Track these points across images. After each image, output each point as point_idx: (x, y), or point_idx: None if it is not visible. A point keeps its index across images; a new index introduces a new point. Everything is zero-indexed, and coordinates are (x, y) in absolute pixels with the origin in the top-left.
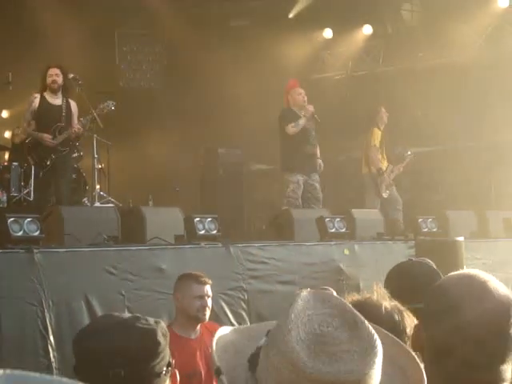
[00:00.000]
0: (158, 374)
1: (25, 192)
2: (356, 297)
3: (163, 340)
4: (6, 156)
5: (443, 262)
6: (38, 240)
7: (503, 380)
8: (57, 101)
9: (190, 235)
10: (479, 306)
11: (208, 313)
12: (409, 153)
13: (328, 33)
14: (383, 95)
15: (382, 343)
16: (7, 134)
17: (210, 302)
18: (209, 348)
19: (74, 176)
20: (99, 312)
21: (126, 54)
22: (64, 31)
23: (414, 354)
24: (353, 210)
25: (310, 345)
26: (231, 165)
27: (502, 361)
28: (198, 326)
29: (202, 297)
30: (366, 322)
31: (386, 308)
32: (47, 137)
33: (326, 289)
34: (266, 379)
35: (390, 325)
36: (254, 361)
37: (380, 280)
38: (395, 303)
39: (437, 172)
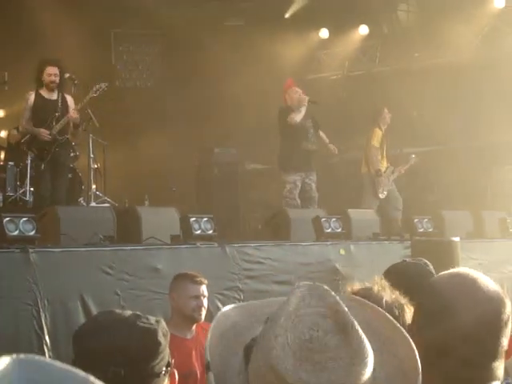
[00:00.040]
0: (158, 374)
1: (20, 192)
2: (357, 287)
3: (164, 340)
4: (2, 155)
5: (439, 262)
6: (34, 240)
7: (496, 377)
8: (53, 96)
9: (185, 235)
10: (472, 304)
11: (204, 313)
12: (413, 156)
13: (324, 33)
14: (379, 95)
15: (382, 327)
16: (3, 134)
17: (205, 302)
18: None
19: (69, 176)
20: (95, 312)
21: (122, 54)
22: (60, 31)
23: (411, 341)
24: (349, 210)
25: (296, 351)
26: (227, 164)
27: (494, 357)
28: (194, 326)
29: (198, 297)
30: (357, 325)
31: (386, 302)
32: (44, 131)
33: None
34: (254, 381)
35: None
36: (247, 353)
37: None
38: (396, 296)
39: (432, 172)
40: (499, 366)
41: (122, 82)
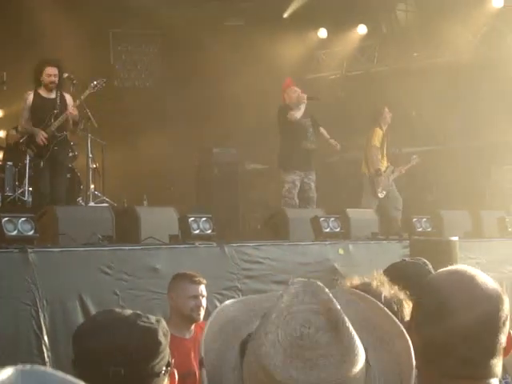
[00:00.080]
0: (158, 374)
1: (19, 192)
2: (356, 282)
3: (164, 340)
4: (1, 155)
5: (437, 261)
6: (33, 240)
7: (494, 375)
8: (51, 95)
9: (184, 235)
10: (470, 301)
11: (202, 312)
12: (414, 156)
13: (323, 32)
14: (378, 95)
15: (380, 322)
16: (1, 134)
17: (204, 301)
18: None
19: (68, 175)
20: (93, 312)
21: (121, 54)
22: (58, 31)
23: (408, 337)
24: (347, 209)
25: (286, 348)
26: (226, 164)
27: (493, 354)
28: (193, 326)
29: (197, 296)
30: (348, 322)
31: (385, 297)
32: (43, 134)
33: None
34: (247, 378)
35: None
36: (243, 349)
37: None
38: (395, 291)
39: (431, 172)
40: (497, 364)
41: (121, 81)
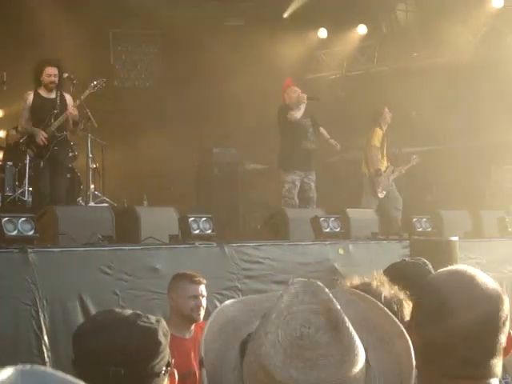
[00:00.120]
0: (158, 374)
1: (19, 192)
2: (356, 282)
3: (164, 340)
4: (1, 156)
5: (437, 261)
6: (33, 240)
7: (494, 375)
8: (51, 95)
9: (184, 235)
10: (470, 301)
11: (202, 312)
12: (414, 156)
13: (323, 32)
14: (378, 95)
15: (380, 322)
16: (1, 134)
17: (204, 301)
18: None
19: (68, 175)
20: (93, 312)
21: (121, 54)
22: (58, 31)
23: (408, 337)
24: (347, 209)
25: (286, 348)
26: (226, 164)
27: (493, 354)
28: (193, 326)
29: (197, 296)
30: (348, 322)
31: (385, 297)
32: (43, 134)
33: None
34: (247, 379)
35: None
36: (243, 349)
37: None
38: (395, 291)
39: (431, 172)
40: (497, 364)
41: (121, 81)
